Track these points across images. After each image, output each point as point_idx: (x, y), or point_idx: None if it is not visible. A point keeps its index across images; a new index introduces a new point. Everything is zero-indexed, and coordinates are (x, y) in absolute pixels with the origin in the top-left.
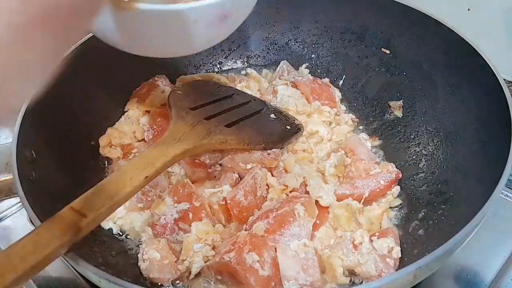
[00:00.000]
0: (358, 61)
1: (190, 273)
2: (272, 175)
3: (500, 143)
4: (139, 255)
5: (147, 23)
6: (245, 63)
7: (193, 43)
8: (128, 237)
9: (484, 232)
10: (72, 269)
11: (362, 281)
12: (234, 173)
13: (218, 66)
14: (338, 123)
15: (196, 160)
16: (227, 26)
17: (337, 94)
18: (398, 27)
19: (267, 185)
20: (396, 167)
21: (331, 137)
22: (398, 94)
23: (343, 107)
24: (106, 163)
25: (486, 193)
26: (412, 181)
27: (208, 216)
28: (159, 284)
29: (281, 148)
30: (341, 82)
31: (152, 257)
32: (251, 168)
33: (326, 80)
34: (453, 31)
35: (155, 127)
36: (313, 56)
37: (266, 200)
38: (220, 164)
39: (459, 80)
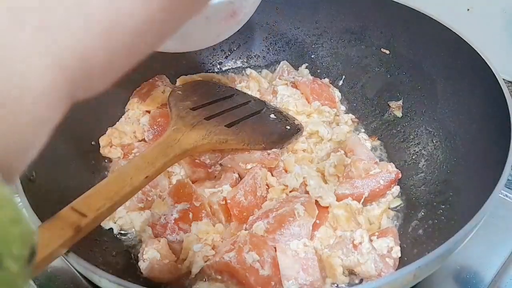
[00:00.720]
0: (358, 61)
1: (190, 273)
2: (272, 175)
3: (500, 143)
4: (139, 255)
5: None
6: (245, 63)
7: (205, 38)
8: (128, 237)
9: (484, 232)
10: (72, 268)
11: (362, 281)
12: (234, 173)
13: (218, 66)
14: (338, 123)
15: (196, 160)
16: (236, 21)
17: (337, 94)
18: (398, 27)
19: (267, 185)
20: (396, 167)
21: (331, 137)
22: (398, 94)
23: (343, 107)
24: (106, 163)
25: (486, 193)
26: (412, 181)
27: (208, 216)
28: (159, 284)
29: (281, 148)
30: (341, 82)
31: (152, 257)
32: (251, 168)
33: (326, 80)
34: (453, 31)
35: (155, 127)
36: (313, 56)
37: (266, 200)
38: (220, 164)
39: (459, 80)
